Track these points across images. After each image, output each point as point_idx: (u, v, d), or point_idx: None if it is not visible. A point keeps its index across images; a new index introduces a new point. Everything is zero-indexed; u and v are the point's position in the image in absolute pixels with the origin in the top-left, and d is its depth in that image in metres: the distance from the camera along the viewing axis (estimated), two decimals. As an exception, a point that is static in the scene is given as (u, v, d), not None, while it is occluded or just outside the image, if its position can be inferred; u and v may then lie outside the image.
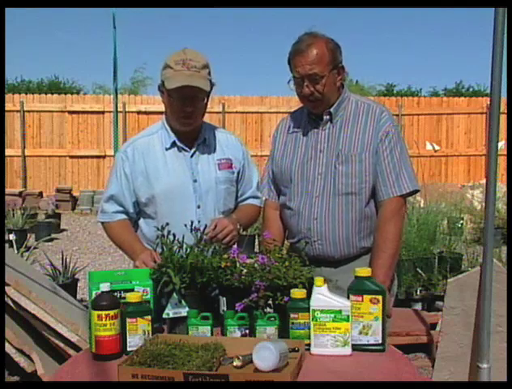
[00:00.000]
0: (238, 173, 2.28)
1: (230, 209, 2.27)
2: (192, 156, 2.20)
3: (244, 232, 2.33)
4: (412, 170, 2.13)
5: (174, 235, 1.89)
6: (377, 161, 2.07)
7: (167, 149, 2.19)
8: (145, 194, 2.16)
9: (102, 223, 2.28)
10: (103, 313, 1.63)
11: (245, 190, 2.33)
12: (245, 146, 2.39)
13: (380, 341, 1.68)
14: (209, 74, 2.12)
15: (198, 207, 2.16)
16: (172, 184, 2.15)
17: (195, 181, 2.17)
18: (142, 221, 2.24)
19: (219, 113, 11.99)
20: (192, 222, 1.99)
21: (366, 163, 2.07)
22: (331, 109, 2.11)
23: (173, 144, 2.19)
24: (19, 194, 10.98)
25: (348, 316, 1.65)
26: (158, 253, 1.96)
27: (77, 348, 2.96)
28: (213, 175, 2.20)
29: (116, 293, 1.76)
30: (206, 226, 2.01)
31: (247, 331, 1.72)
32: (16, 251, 5.14)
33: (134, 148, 2.20)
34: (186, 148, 2.20)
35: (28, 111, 11.93)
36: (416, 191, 2.12)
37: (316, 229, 2.11)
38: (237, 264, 1.80)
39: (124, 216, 2.22)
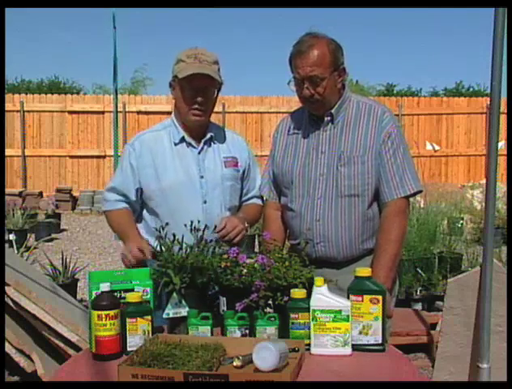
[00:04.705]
0: (244, 171, 2.33)
1: (235, 206, 2.31)
2: (200, 153, 2.25)
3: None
4: (415, 171, 2.12)
5: (174, 235, 1.89)
6: (381, 163, 2.06)
7: (175, 144, 2.24)
8: (152, 186, 2.20)
9: (105, 212, 2.32)
10: (103, 313, 1.63)
11: (249, 190, 2.37)
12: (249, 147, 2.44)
13: (380, 341, 1.68)
14: (218, 70, 2.19)
15: (205, 202, 2.20)
16: (179, 179, 2.19)
17: (202, 177, 2.22)
18: (147, 215, 2.27)
19: (219, 113, 11.96)
20: (192, 222, 1.99)
21: (369, 164, 2.05)
22: (332, 111, 2.10)
23: (182, 140, 2.24)
24: (19, 194, 10.97)
25: (348, 316, 1.65)
26: (149, 244, 2.07)
27: (77, 348, 2.96)
28: (219, 172, 2.24)
29: (116, 293, 1.76)
30: (206, 226, 1.99)
31: (247, 331, 1.72)
32: (16, 251, 5.14)
33: (141, 142, 2.25)
34: (194, 144, 2.25)
35: (28, 111, 11.92)
36: (419, 192, 2.11)
37: (318, 231, 2.10)
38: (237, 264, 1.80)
39: (125, 205, 2.26)
